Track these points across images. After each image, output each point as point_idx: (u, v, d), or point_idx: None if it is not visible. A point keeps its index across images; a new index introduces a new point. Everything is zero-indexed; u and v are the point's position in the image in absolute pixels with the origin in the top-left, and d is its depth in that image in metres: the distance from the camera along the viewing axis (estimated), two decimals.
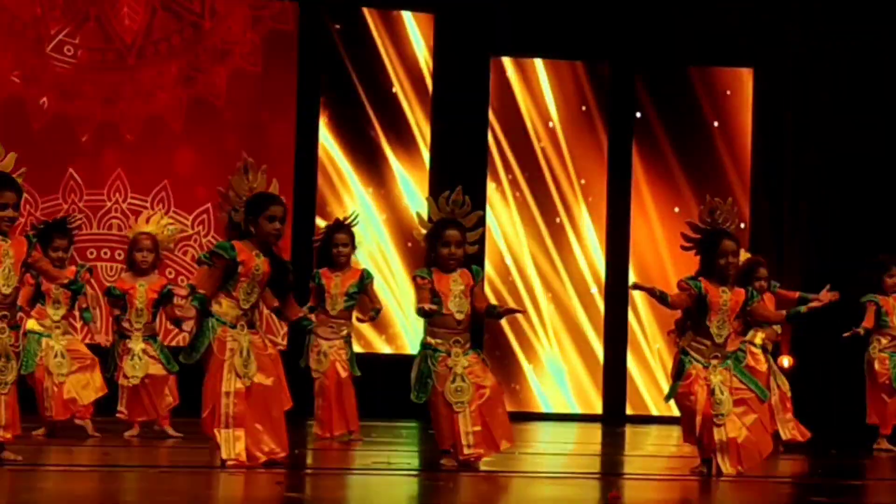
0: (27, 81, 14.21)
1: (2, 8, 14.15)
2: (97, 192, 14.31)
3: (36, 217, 12.19)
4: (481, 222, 8.91)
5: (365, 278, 10.87)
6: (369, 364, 12.14)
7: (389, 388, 10.82)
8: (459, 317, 8.61)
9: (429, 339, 8.67)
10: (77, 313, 10.93)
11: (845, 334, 11.33)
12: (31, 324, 10.58)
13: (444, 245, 8.64)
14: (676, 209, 15.21)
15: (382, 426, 12.44)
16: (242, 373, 8.03)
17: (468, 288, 8.68)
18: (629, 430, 14.53)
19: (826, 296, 9.11)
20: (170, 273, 13.44)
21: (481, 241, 9.18)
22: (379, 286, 13.82)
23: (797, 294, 11.18)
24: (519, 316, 14.70)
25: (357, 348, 11.59)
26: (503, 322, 14.90)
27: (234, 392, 8.03)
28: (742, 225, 14.12)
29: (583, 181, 15.72)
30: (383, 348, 14.94)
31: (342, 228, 10.99)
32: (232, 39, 14.75)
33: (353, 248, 10.98)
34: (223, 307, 8.13)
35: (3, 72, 14.16)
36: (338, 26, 15.05)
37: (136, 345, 10.75)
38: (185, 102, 14.61)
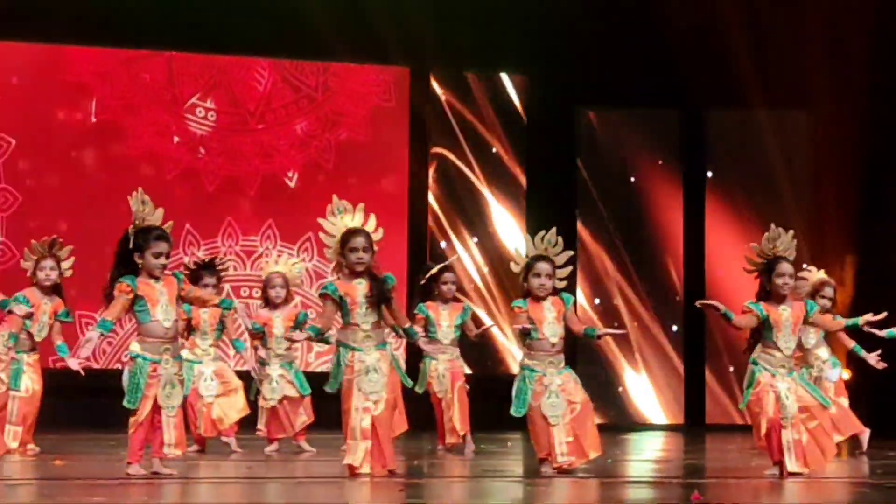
0: (183, 142, 14.34)
1: (142, 69, 14.27)
2: (251, 238, 14.41)
3: (198, 257, 12.27)
4: (571, 261, 8.90)
5: (466, 311, 11.05)
6: (478, 382, 12.22)
7: (495, 404, 10.80)
8: (553, 340, 8.64)
9: (526, 361, 8.70)
10: (227, 341, 11.02)
11: None
12: (185, 353, 10.67)
13: (536, 276, 8.69)
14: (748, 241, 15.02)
15: (490, 437, 12.41)
16: (369, 390, 8.10)
17: (560, 314, 8.69)
18: (709, 437, 14.38)
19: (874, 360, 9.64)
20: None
21: (572, 277, 9.19)
22: (483, 315, 13.93)
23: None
24: (610, 341, 14.81)
25: (466, 369, 11.72)
26: (596, 347, 14.88)
27: (361, 408, 8.09)
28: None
29: (663, 211, 15.63)
30: (489, 369, 14.92)
31: (449, 268, 11.10)
32: (343, 111, 14.84)
33: (454, 285, 11.10)
34: (348, 335, 8.22)
35: (163, 131, 14.30)
36: (444, 90, 15.09)
37: (275, 370, 10.85)
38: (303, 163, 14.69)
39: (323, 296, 8.32)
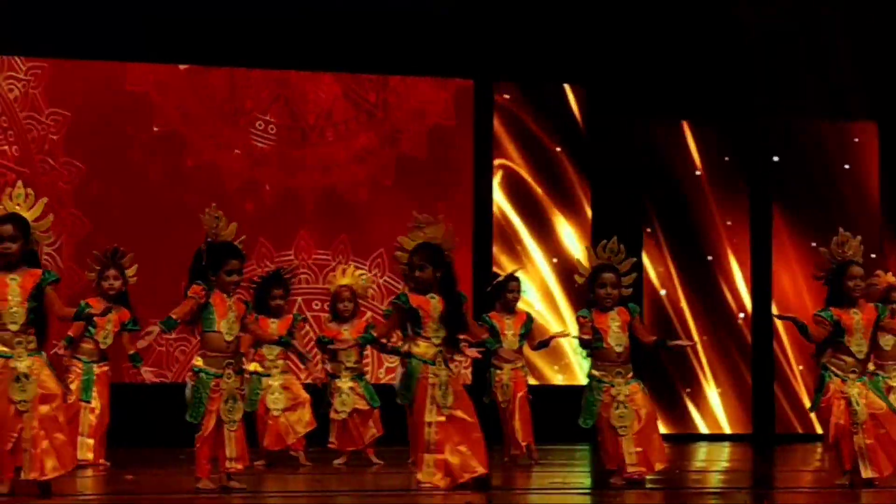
0: (253, 160, 14.42)
1: (205, 84, 14.34)
2: (324, 252, 14.45)
3: (272, 269, 12.27)
4: (635, 268, 8.88)
5: (530, 321, 11.07)
6: (544, 393, 12.23)
7: (562, 415, 10.78)
8: (619, 349, 8.65)
9: (594, 372, 8.69)
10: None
11: None
12: (254, 366, 10.72)
13: (601, 287, 8.69)
14: (813, 244, 14.94)
15: (558, 449, 12.38)
16: (442, 403, 8.10)
17: (625, 324, 8.67)
18: (777, 447, 14.27)
19: None
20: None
21: (637, 284, 9.16)
22: (548, 325, 13.88)
23: None
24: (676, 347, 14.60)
25: (531, 380, 11.74)
26: (662, 353, 14.67)
27: (435, 422, 8.09)
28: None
29: (728, 223, 15.53)
30: (556, 379, 14.88)
31: (515, 278, 11.13)
32: (404, 125, 14.83)
33: (520, 295, 11.12)
34: (421, 348, 8.21)
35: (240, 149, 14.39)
36: (507, 96, 15.07)
37: (345, 383, 10.87)
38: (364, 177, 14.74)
39: (392, 304, 8.35)
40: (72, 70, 13.96)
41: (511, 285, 11.07)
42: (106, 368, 10.59)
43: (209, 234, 8.19)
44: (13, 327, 7.58)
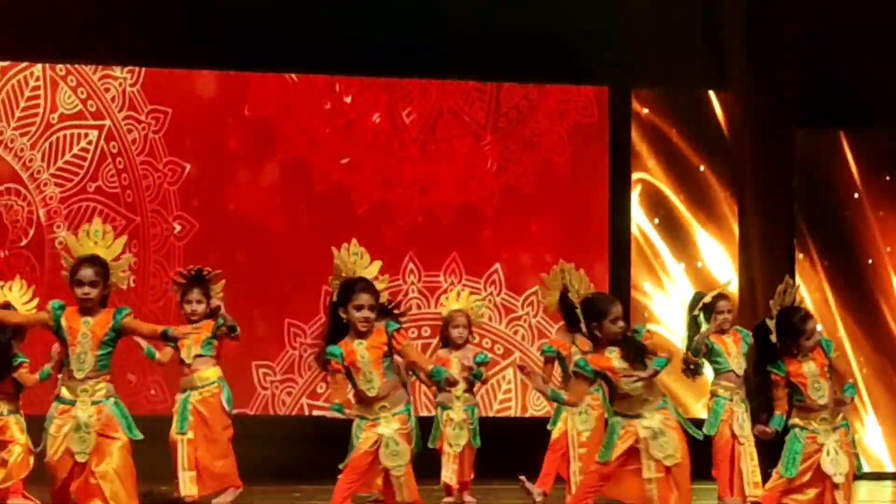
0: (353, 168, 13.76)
1: (319, 94, 13.73)
2: (433, 273, 13.74)
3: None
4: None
5: (747, 337, 9.93)
6: None
7: None
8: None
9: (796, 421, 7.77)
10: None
11: None
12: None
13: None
14: None
15: None
16: (660, 455, 7.50)
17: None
18: None
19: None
20: (486, 343, 12.87)
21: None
22: None
23: None
24: None
25: None
26: None
27: (654, 479, 7.50)
28: None
29: (888, 248, 14.50)
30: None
31: (724, 295, 10.09)
32: (537, 135, 14.13)
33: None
34: (625, 405, 7.61)
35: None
36: (646, 110, 14.31)
37: (458, 415, 10.15)
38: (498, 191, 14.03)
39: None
40: (182, 79, 13.46)
41: (719, 305, 9.95)
42: (212, 391, 9.77)
43: (342, 271, 7.51)
44: (79, 374, 7.42)
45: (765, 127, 14.33)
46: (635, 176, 14.30)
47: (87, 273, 7.36)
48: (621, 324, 7.50)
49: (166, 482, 9.66)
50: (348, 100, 13.80)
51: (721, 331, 9.87)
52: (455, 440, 10.06)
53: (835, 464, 7.57)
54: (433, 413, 10.48)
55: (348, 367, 7.30)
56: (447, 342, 10.30)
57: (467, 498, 10.19)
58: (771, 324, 7.60)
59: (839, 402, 7.58)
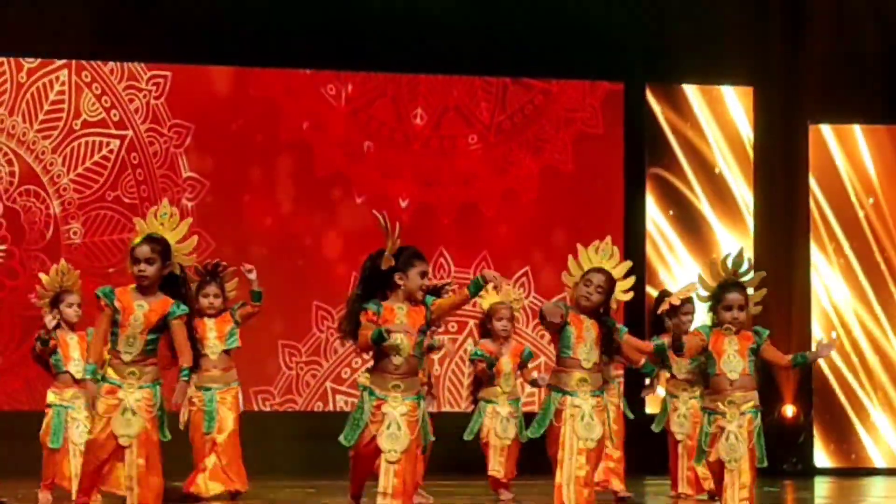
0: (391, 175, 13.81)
1: (329, 88, 13.71)
2: (464, 270, 13.73)
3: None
4: (764, 283, 7.91)
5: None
6: None
7: None
8: (732, 376, 7.65)
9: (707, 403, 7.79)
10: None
11: None
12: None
13: (727, 309, 7.75)
14: None
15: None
16: (583, 436, 7.58)
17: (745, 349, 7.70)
18: None
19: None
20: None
21: (805, 306, 8.18)
22: None
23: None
24: (848, 376, 14.08)
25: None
26: (833, 383, 14.10)
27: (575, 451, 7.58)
28: None
29: None
30: None
31: (689, 300, 10.09)
32: (549, 132, 14.06)
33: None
34: (562, 376, 7.65)
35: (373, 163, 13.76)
36: (661, 105, 14.31)
37: (503, 408, 10.10)
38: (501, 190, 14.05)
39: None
40: (198, 75, 13.49)
41: (687, 307, 10.04)
42: (233, 391, 9.82)
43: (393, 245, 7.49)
44: (127, 357, 7.32)
45: (781, 122, 14.34)
46: (650, 172, 14.26)
47: (143, 250, 7.28)
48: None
49: (179, 478, 9.69)
50: (357, 92, 13.83)
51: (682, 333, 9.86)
52: (504, 433, 10.01)
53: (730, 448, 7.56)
54: (454, 409, 10.48)
55: (380, 326, 7.28)
56: (487, 334, 10.23)
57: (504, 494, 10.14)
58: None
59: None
